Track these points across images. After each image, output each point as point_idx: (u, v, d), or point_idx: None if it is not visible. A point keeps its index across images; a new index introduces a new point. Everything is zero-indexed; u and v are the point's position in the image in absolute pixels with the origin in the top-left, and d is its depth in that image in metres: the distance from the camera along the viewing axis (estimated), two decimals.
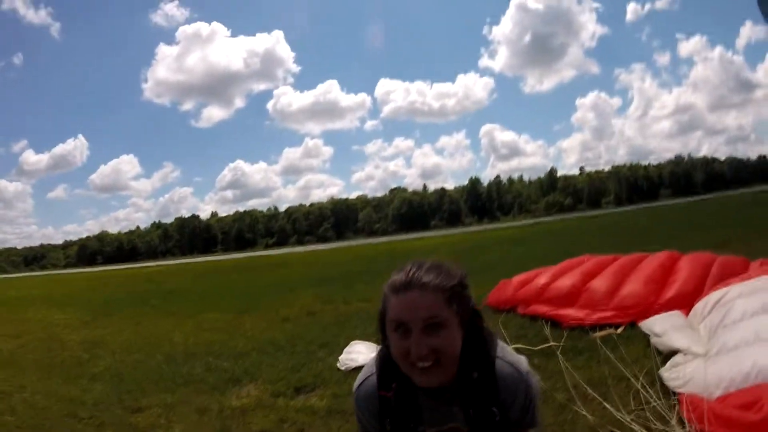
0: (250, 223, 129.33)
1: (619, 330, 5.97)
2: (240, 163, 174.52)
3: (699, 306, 5.64)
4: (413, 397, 1.63)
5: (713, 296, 5.55)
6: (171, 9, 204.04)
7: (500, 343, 1.67)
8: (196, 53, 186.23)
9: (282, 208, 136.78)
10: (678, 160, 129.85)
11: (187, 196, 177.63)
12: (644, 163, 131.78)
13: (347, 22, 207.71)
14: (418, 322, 1.45)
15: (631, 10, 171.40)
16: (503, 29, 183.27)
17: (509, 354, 1.64)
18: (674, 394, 4.01)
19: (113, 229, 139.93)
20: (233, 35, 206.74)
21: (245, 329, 9.11)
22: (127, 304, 15.59)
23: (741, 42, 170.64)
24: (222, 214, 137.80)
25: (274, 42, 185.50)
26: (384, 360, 1.68)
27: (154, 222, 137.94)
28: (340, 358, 6.14)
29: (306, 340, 7.61)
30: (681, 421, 3.58)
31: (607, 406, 3.92)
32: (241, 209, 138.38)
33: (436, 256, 1.64)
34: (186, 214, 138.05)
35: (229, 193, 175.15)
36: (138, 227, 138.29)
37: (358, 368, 5.68)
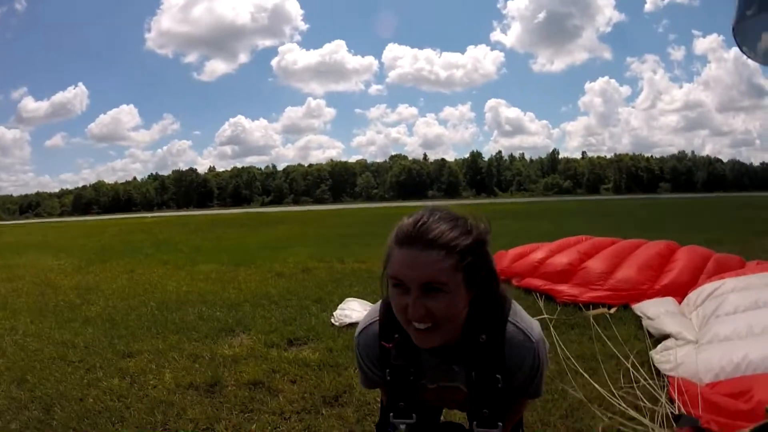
0: (248, 179, 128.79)
1: (612, 310, 6.01)
2: (240, 119, 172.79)
3: (692, 295, 5.74)
4: (415, 352, 1.53)
5: (707, 288, 5.64)
6: None
7: (515, 307, 1.57)
8: (203, 4, 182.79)
9: (280, 167, 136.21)
10: (681, 156, 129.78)
11: (185, 149, 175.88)
12: (647, 154, 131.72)
13: None
14: (416, 283, 1.32)
15: (651, 1, 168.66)
16: (518, 4, 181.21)
17: (522, 319, 1.54)
18: (663, 376, 4.05)
19: (110, 179, 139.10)
20: None
21: (239, 281, 9.14)
22: (121, 252, 15.61)
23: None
24: (220, 169, 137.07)
25: None
26: (387, 309, 1.54)
27: (151, 174, 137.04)
28: (334, 313, 6.18)
29: (300, 295, 7.66)
30: (670, 403, 3.62)
31: (594, 384, 3.95)
32: (239, 165, 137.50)
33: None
34: (184, 167, 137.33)
35: (227, 149, 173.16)
36: (135, 178, 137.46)
37: (353, 324, 5.74)
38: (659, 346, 4.66)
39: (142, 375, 4.55)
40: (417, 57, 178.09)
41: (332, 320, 6.01)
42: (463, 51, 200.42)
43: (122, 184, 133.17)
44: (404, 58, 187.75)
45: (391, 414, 1.62)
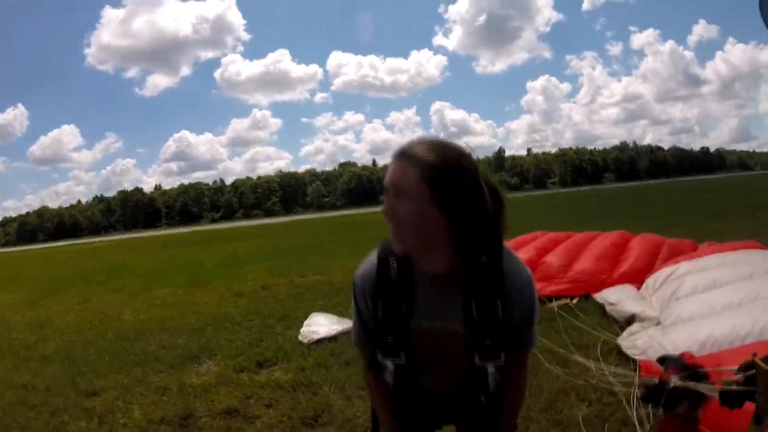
0: (196, 196, 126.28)
1: (575, 301, 6.15)
2: (185, 134, 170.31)
3: (650, 280, 5.94)
4: (410, 280, 1.56)
5: (663, 272, 5.86)
6: None
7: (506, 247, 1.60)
8: (143, 17, 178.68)
9: (228, 181, 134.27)
10: (623, 147, 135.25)
11: (129, 168, 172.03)
12: (590, 147, 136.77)
13: None
14: (389, 186, 1.46)
15: (589, 0, 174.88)
16: (459, 8, 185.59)
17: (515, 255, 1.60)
18: (634, 361, 4.16)
19: (54, 204, 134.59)
20: None
21: (197, 305, 8.86)
22: (72, 282, 14.89)
23: (693, 39, 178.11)
24: (166, 186, 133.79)
25: (225, 8, 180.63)
26: (386, 241, 1.61)
27: (96, 196, 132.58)
28: (301, 330, 6.05)
29: (262, 314, 7.48)
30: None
31: (567, 375, 4.01)
32: (186, 182, 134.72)
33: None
34: (129, 187, 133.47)
35: (173, 165, 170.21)
36: (79, 201, 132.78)
37: (321, 340, 5.68)
38: (625, 332, 4.81)
39: (109, 414, 4.29)
40: (361, 63, 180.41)
41: (300, 338, 5.87)
42: (406, 56, 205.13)
43: (67, 208, 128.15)
44: (348, 65, 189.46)
45: (379, 352, 1.62)
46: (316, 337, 5.74)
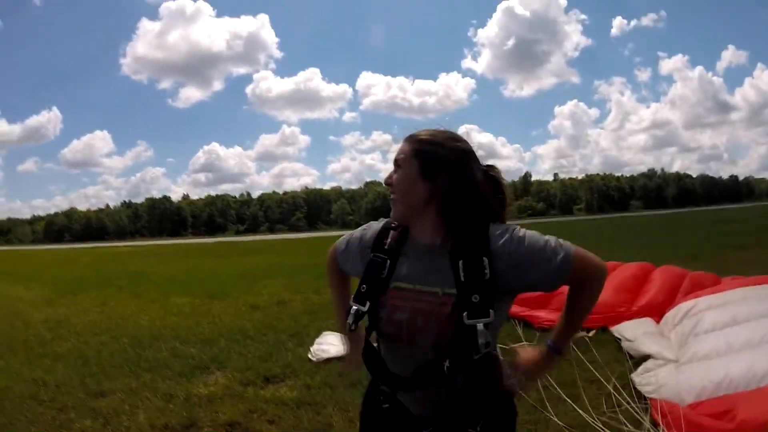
0: (222, 207, 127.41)
1: (591, 333, 6.02)
2: (215, 147, 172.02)
3: (670, 315, 5.76)
4: (402, 247, 1.72)
5: (684, 306, 5.66)
6: None
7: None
8: (178, 31, 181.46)
9: (255, 195, 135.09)
10: (651, 174, 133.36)
11: (159, 176, 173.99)
12: (617, 174, 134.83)
13: (334, 12, 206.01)
14: (393, 161, 1.72)
15: (617, 25, 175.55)
16: (488, 32, 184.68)
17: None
18: (645, 399, 4.04)
19: (82, 206, 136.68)
20: (218, 15, 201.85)
21: (213, 315, 8.93)
22: (93, 284, 15.18)
23: (722, 65, 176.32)
24: (194, 197, 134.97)
25: (259, 26, 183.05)
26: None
27: (124, 201, 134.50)
28: (311, 348, 6.05)
29: (276, 329, 7.50)
30: (653, 426, 3.60)
31: (578, 409, 3.92)
32: (214, 193, 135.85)
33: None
34: (157, 195, 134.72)
35: (201, 176, 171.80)
36: (108, 205, 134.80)
37: (330, 359, 5.64)
38: (640, 368, 4.67)
39: (115, 416, 4.36)
40: (390, 85, 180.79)
41: (309, 356, 5.86)
42: (435, 78, 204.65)
43: (95, 211, 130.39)
44: (378, 86, 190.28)
45: (352, 298, 1.76)
46: (325, 356, 5.72)
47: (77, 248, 60.53)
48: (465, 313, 1.51)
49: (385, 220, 1.85)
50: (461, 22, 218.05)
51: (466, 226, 1.61)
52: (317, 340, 6.29)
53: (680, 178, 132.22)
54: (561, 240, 1.62)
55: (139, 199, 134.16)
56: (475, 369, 1.55)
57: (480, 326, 1.50)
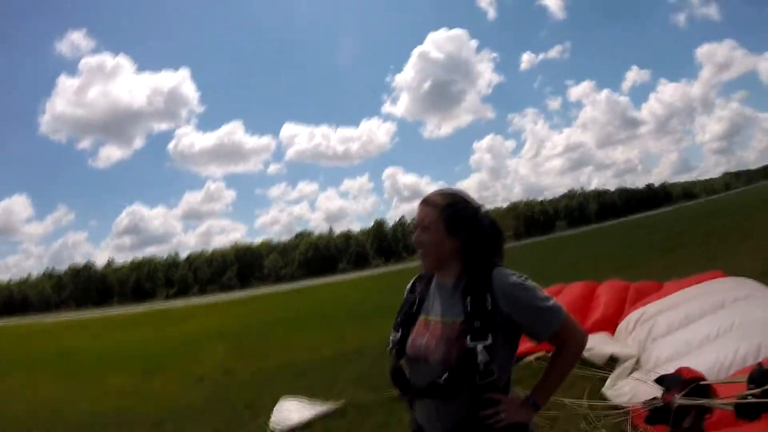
0: (149, 272, 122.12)
1: (536, 356, 6.02)
2: (138, 207, 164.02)
3: (622, 325, 6.01)
4: (428, 288, 2.13)
5: (633, 315, 5.92)
6: (77, 38, 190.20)
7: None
8: (98, 87, 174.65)
9: (182, 255, 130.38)
10: (571, 194, 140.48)
11: (81, 241, 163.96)
12: (539, 198, 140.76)
13: (254, 64, 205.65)
14: (418, 225, 2.08)
15: (526, 60, 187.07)
16: (405, 76, 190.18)
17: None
18: (622, 408, 4.09)
19: (3, 277, 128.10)
20: (138, 70, 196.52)
21: (156, 392, 8.34)
22: (22, 366, 13.89)
23: (627, 84, 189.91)
24: (118, 261, 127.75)
25: (180, 80, 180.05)
26: None
27: (47, 270, 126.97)
28: (271, 419, 5.67)
29: (227, 401, 7.05)
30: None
31: None
32: (139, 256, 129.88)
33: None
34: (80, 261, 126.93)
35: (126, 239, 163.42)
36: (29, 275, 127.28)
37: (294, 428, 5.33)
38: (608, 381, 4.75)
39: None
40: (313, 133, 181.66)
41: (271, 427, 5.48)
42: (357, 124, 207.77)
43: (16, 283, 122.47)
44: (301, 136, 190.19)
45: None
46: (289, 424, 5.40)
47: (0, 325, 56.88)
48: (468, 337, 1.87)
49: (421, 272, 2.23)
50: (379, 68, 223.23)
51: (476, 270, 1.99)
52: (276, 409, 5.93)
53: (599, 194, 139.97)
54: (558, 303, 1.95)
55: (62, 266, 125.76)
56: (480, 394, 1.88)
57: (479, 347, 1.85)
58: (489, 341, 1.86)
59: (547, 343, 1.98)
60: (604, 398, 4.52)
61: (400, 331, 2.11)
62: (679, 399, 2.84)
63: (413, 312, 2.12)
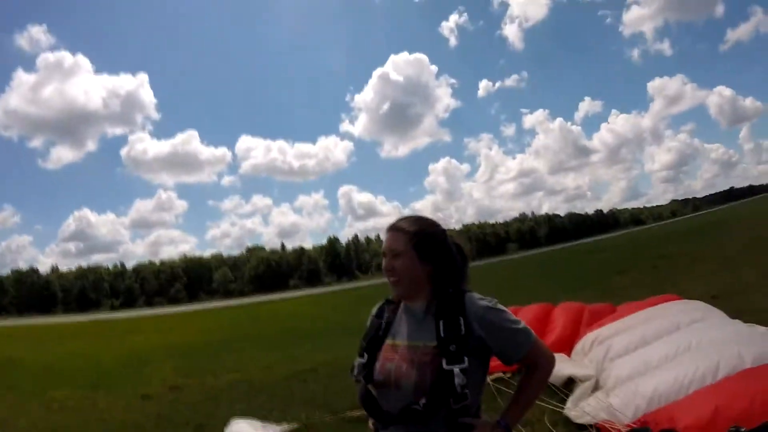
0: (95, 280, 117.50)
1: (508, 375, 6.02)
2: (86, 212, 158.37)
3: (578, 346, 6.16)
4: (396, 313, 2.13)
5: (589, 336, 6.08)
6: (38, 33, 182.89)
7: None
8: (54, 85, 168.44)
9: (129, 265, 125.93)
10: (522, 218, 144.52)
11: (26, 245, 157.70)
12: (492, 221, 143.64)
13: (214, 73, 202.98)
14: (388, 252, 2.07)
15: (483, 87, 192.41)
16: (364, 97, 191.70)
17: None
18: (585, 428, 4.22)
19: None
20: (97, 71, 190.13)
21: (100, 410, 7.92)
22: None
23: (579, 114, 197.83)
24: (63, 268, 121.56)
25: (138, 84, 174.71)
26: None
27: None
28: None
29: (175, 422, 6.77)
30: None
31: None
32: (85, 264, 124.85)
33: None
34: (24, 266, 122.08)
35: (71, 245, 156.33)
36: None
37: None
38: (569, 402, 4.82)
39: None
40: (270, 147, 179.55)
41: None
42: (314, 141, 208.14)
43: None
44: (257, 149, 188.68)
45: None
46: None
47: None
48: (444, 360, 1.87)
49: (386, 299, 2.22)
50: (339, 88, 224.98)
51: (446, 294, 2.00)
52: (227, 430, 5.69)
53: (550, 218, 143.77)
54: (527, 326, 1.99)
55: (4, 271, 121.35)
56: (455, 419, 1.87)
57: (456, 370, 1.85)
58: (465, 364, 1.86)
59: (517, 365, 2.02)
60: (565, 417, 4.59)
61: (365, 356, 2.09)
62: None
63: (380, 336, 2.11)
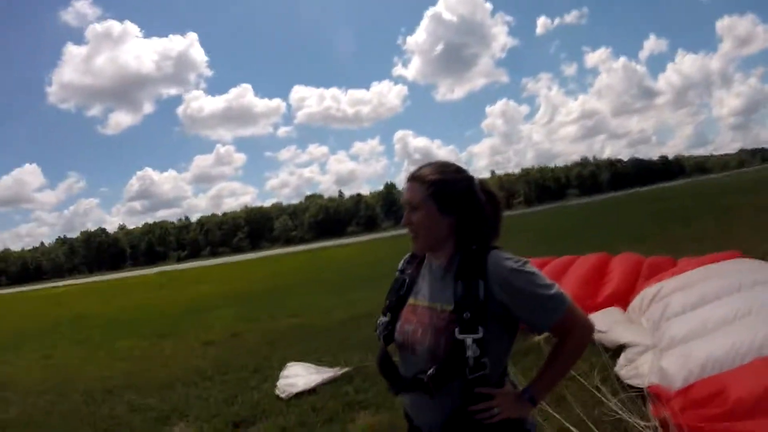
0: (161, 235, 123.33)
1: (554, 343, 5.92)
2: (148, 172, 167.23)
3: (636, 302, 5.83)
4: (419, 270, 1.98)
5: (648, 292, 5.73)
6: (82, 6, 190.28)
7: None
8: (105, 54, 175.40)
9: (193, 219, 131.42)
10: (584, 162, 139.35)
11: (93, 207, 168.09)
12: (552, 165, 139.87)
13: (263, 27, 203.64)
14: (405, 205, 1.89)
15: (542, 24, 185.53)
16: (417, 39, 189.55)
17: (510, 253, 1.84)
18: (631, 388, 4.07)
19: (16, 246, 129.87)
20: (146, 36, 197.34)
21: (165, 357, 8.39)
22: (34, 335, 14.02)
23: (644, 54, 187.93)
24: (130, 226, 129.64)
25: (188, 44, 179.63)
26: None
27: (59, 237, 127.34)
28: (278, 384, 5.67)
29: (235, 366, 7.04)
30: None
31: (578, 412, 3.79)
32: (150, 221, 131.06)
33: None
34: (92, 227, 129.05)
35: (137, 204, 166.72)
36: (42, 243, 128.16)
37: (300, 394, 5.33)
38: (621, 359, 4.66)
39: None
40: (323, 96, 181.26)
41: (277, 392, 5.47)
42: (368, 87, 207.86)
43: (30, 251, 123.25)
44: (311, 98, 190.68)
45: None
46: (294, 390, 5.36)
47: (14, 293, 57.57)
48: (457, 329, 1.69)
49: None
50: (390, 30, 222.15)
51: (469, 250, 1.80)
52: (282, 374, 5.92)
53: (612, 163, 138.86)
54: (561, 289, 1.74)
55: (74, 234, 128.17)
56: (471, 388, 1.71)
57: (469, 340, 1.67)
58: (480, 334, 1.68)
59: (550, 333, 1.79)
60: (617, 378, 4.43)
61: (388, 315, 1.96)
62: None
63: (402, 294, 1.96)
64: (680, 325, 4.52)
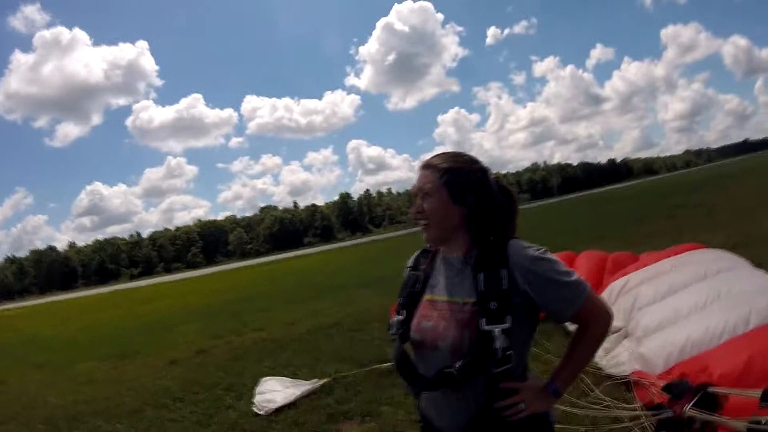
0: (113, 252, 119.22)
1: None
2: (98, 186, 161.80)
3: (604, 295, 5.93)
4: (433, 262, 1.94)
5: (616, 285, 5.92)
6: (31, 12, 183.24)
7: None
8: (53, 62, 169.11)
9: (145, 234, 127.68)
10: (534, 167, 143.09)
11: (41, 224, 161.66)
12: (503, 171, 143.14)
13: (214, 36, 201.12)
14: (417, 192, 1.85)
15: (492, 34, 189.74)
16: (369, 48, 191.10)
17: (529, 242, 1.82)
18: (612, 377, 4.25)
19: None
20: (95, 44, 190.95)
21: (129, 379, 8.03)
22: None
23: (591, 62, 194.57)
24: (80, 243, 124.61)
25: (138, 53, 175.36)
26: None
27: (8, 256, 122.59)
28: (254, 400, 5.51)
29: (206, 384, 6.82)
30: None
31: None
32: (101, 237, 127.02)
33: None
34: (41, 245, 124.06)
35: (86, 220, 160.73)
36: None
37: (280, 409, 5.20)
38: (599, 351, 4.70)
39: None
40: (276, 106, 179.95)
41: (255, 409, 5.32)
42: (320, 97, 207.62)
43: None
44: (263, 108, 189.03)
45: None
46: (273, 406, 5.24)
47: None
48: (483, 320, 1.66)
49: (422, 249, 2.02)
50: (342, 40, 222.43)
51: (487, 241, 1.78)
52: (258, 390, 5.76)
53: (562, 168, 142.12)
54: (582, 278, 1.74)
55: (23, 252, 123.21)
56: (496, 383, 1.67)
57: (496, 331, 1.64)
58: (507, 324, 1.65)
59: (570, 322, 1.77)
60: (597, 368, 4.57)
61: (403, 313, 1.89)
62: (689, 411, 2.82)
63: (417, 291, 1.90)
64: (653, 314, 4.71)
